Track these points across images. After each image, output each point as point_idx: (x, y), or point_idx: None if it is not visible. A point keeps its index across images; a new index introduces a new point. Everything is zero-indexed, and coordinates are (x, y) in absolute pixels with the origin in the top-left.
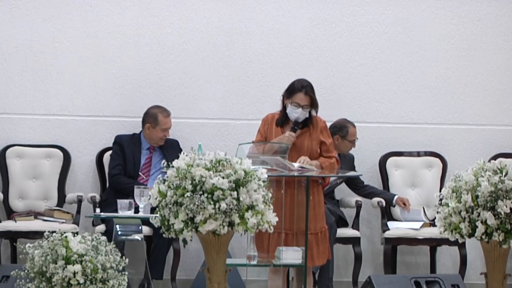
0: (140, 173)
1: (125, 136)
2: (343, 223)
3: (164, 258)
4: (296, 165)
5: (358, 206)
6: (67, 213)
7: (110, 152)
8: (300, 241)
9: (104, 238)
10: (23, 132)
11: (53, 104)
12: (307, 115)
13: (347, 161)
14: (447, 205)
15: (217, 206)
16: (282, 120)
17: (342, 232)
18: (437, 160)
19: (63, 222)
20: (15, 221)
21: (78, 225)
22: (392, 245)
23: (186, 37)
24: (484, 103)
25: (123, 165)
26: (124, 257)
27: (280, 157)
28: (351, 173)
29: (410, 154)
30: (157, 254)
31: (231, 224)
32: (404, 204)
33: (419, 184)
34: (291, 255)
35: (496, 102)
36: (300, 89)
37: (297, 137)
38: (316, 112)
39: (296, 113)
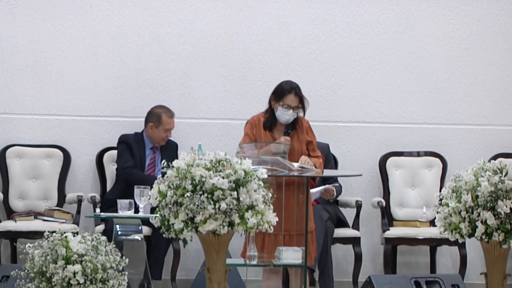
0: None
1: (130, 136)
2: (342, 224)
3: (163, 259)
4: (296, 165)
5: (358, 206)
6: (67, 213)
7: (109, 152)
8: (298, 241)
9: (104, 238)
10: (23, 132)
11: (53, 104)
12: (296, 116)
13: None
14: (447, 205)
15: (217, 206)
16: (271, 123)
17: (342, 232)
18: (437, 160)
19: (63, 222)
20: (15, 221)
21: (78, 225)
22: (392, 245)
23: (186, 37)
24: (484, 103)
25: (133, 161)
26: (124, 257)
27: (280, 157)
28: (351, 173)
29: (410, 154)
30: (157, 255)
31: (231, 224)
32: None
33: (419, 184)
34: (291, 255)
35: (496, 102)
36: (290, 91)
37: None
38: (304, 113)
39: (287, 115)
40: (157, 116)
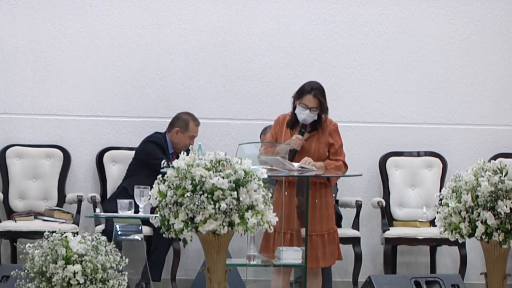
0: None
1: (160, 137)
2: (341, 220)
3: (163, 259)
4: (296, 165)
5: (358, 206)
6: (67, 213)
7: (109, 152)
8: (320, 241)
9: (104, 238)
10: (23, 132)
11: (53, 104)
12: (315, 118)
13: None
14: (447, 205)
15: (217, 206)
16: (292, 121)
17: (342, 232)
18: (437, 160)
19: (63, 222)
20: (15, 221)
21: (78, 225)
22: (392, 245)
23: (186, 37)
24: (484, 103)
25: None
26: (124, 257)
27: (280, 157)
28: (351, 173)
29: (410, 154)
30: (157, 255)
31: (231, 224)
32: None
33: (419, 184)
34: (291, 255)
35: (496, 102)
36: (309, 91)
37: (305, 140)
38: (326, 116)
39: (303, 114)
40: (185, 122)
